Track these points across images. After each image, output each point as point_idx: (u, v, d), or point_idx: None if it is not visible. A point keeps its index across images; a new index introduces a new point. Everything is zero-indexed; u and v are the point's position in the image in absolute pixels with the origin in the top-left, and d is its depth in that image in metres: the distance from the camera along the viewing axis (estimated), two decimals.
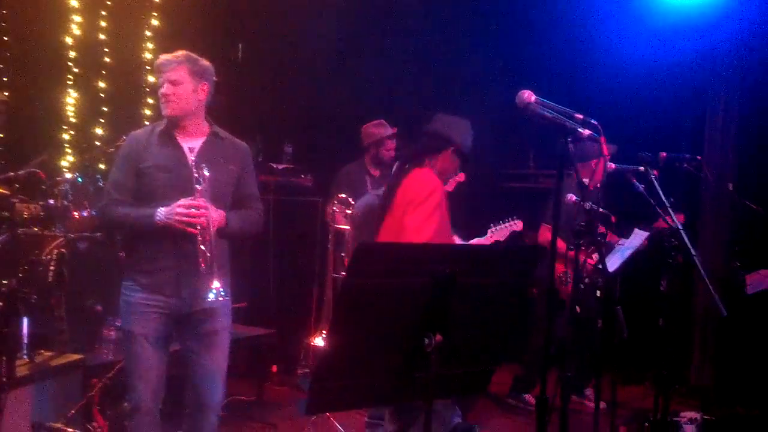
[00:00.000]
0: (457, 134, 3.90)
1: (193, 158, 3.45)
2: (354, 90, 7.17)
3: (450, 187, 4.96)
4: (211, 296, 3.35)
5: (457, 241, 4.61)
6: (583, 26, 7.03)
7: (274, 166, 6.86)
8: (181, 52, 3.59)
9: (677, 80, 6.97)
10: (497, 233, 4.81)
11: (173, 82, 3.51)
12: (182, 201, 3.36)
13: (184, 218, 3.34)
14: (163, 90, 3.51)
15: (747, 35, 6.69)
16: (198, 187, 3.37)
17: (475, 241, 4.73)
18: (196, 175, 3.38)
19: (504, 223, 4.93)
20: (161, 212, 3.37)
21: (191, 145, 3.52)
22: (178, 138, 3.54)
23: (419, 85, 7.39)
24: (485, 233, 5.13)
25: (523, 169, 8.07)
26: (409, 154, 3.99)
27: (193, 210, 3.34)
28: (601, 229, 3.74)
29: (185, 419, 3.68)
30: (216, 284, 3.35)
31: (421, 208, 3.66)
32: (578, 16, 7.07)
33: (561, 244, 3.96)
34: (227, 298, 3.51)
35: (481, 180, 5.02)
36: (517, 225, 4.83)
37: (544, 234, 5.65)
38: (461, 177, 5.02)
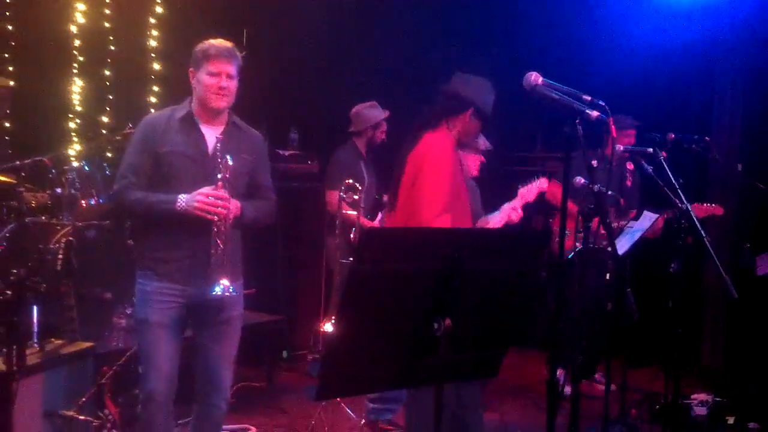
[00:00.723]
0: (477, 94, 3.72)
1: (218, 147, 3.43)
2: (359, 75, 7.14)
3: (475, 170, 4.92)
4: (218, 290, 3.35)
5: (482, 215, 4.59)
6: (591, 8, 6.98)
7: (280, 152, 6.84)
8: (228, 44, 3.51)
9: (685, 62, 6.93)
10: (526, 194, 4.80)
11: (230, 76, 3.47)
12: (205, 189, 3.34)
13: (206, 206, 3.32)
14: (222, 83, 3.43)
15: (754, 17, 6.64)
16: (219, 176, 3.36)
17: (506, 205, 4.67)
18: (220, 164, 3.37)
19: (532, 183, 4.91)
20: (183, 199, 3.35)
21: (212, 133, 3.50)
22: (200, 126, 3.51)
23: (425, 67, 7.35)
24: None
25: (530, 152, 8.05)
26: (426, 117, 3.78)
27: (214, 200, 3.33)
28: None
29: (195, 405, 3.69)
30: (224, 281, 3.35)
31: (431, 178, 3.49)
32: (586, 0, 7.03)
33: (572, 206, 3.87)
34: (236, 294, 3.50)
35: (489, 163, 5.00)
36: (543, 183, 4.81)
37: (552, 188, 5.48)
38: (482, 158, 5.00)
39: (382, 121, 6.05)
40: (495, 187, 6.88)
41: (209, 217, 3.33)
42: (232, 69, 3.47)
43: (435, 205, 3.44)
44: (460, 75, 3.84)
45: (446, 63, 7.33)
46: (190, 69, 3.51)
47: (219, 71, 3.44)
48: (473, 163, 4.86)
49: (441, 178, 3.49)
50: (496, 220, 4.62)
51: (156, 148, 3.45)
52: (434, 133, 3.67)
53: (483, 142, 4.94)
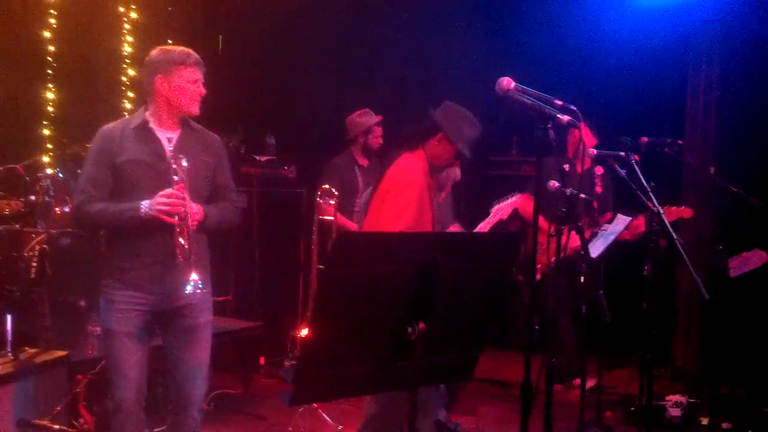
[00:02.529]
0: (447, 121, 3.83)
1: (171, 149, 3.43)
2: (336, 80, 7.15)
3: (447, 187, 4.96)
4: (189, 288, 3.34)
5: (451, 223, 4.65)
6: (563, 12, 7.04)
7: (257, 158, 6.83)
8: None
9: (658, 65, 6.99)
10: (500, 211, 4.84)
11: (204, 84, 3.52)
12: (163, 192, 3.33)
13: (165, 208, 3.30)
14: (202, 90, 3.50)
15: (726, 20, 6.71)
16: (175, 177, 3.34)
17: (482, 223, 4.75)
18: (174, 166, 3.35)
19: (506, 200, 4.93)
20: (146, 205, 3.33)
21: (168, 137, 3.49)
22: (156, 132, 3.50)
23: (402, 74, 7.39)
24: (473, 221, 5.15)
25: (506, 156, 8.09)
26: (405, 137, 3.96)
27: (172, 200, 3.31)
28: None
29: (168, 415, 3.67)
30: (194, 276, 3.33)
31: (398, 198, 3.66)
32: (559, 2, 7.08)
33: (543, 223, 3.96)
34: (206, 290, 3.49)
35: (464, 168, 5.05)
36: (517, 200, 4.84)
37: (524, 204, 5.52)
38: (457, 175, 5.05)
39: (374, 126, 6.08)
40: (471, 191, 6.96)
41: (168, 219, 3.31)
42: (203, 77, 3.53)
43: (396, 224, 3.59)
44: (447, 103, 3.94)
45: (423, 67, 7.40)
46: (159, 76, 3.45)
47: (199, 78, 3.48)
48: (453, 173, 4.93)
49: (407, 200, 3.65)
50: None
51: (113, 159, 3.42)
52: (410, 155, 3.84)
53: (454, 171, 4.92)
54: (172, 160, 3.36)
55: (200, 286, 3.37)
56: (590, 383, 6.01)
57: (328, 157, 6.17)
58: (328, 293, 2.35)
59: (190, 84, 3.46)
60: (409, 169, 3.77)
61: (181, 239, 3.34)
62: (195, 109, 3.50)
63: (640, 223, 5.36)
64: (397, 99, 7.36)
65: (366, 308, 2.40)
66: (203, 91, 3.50)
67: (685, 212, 5.55)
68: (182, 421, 3.61)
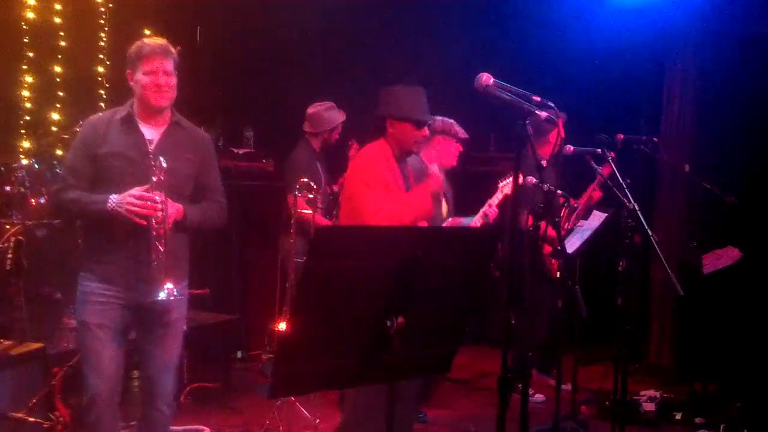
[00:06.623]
0: (386, 104, 3.95)
1: (152, 148, 3.38)
2: (315, 73, 7.13)
3: (453, 160, 5.17)
4: (162, 295, 3.30)
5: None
6: (540, 8, 7.07)
7: (235, 150, 6.81)
8: (162, 40, 3.48)
9: (635, 62, 7.04)
10: (506, 186, 4.90)
11: (167, 73, 3.40)
12: (134, 191, 3.27)
13: (134, 209, 3.25)
14: (160, 80, 3.38)
15: (703, 17, 6.77)
16: (153, 178, 3.29)
17: (491, 200, 4.85)
18: (154, 166, 3.29)
19: (509, 177, 4.97)
20: (113, 199, 3.28)
21: (152, 133, 3.45)
22: (140, 126, 3.46)
23: (378, 69, 7.38)
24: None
25: (484, 152, 8.10)
26: (370, 138, 4.05)
27: (146, 202, 3.26)
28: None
29: (139, 409, 3.65)
30: (168, 285, 3.30)
31: (360, 183, 3.76)
32: None
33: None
34: (180, 297, 3.45)
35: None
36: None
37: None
38: (460, 147, 5.25)
39: (341, 123, 6.07)
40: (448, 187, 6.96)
41: (138, 220, 3.26)
42: (168, 65, 3.41)
43: (370, 205, 3.68)
44: (381, 92, 4.04)
45: (401, 62, 7.40)
46: (128, 71, 3.44)
47: (155, 69, 3.38)
48: (453, 152, 5.01)
49: (367, 181, 3.75)
50: (473, 221, 4.80)
51: (95, 150, 3.39)
52: (370, 145, 3.95)
53: (459, 131, 5.07)
54: (152, 161, 3.31)
55: (176, 294, 3.33)
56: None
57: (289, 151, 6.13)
58: (307, 287, 2.35)
59: (146, 76, 3.39)
60: (359, 157, 3.96)
61: (157, 243, 3.29)
62: (156, 102, 3.41)
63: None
64: (375, 93, 7.36)
65: (345, 302, 2.40)
66: (160, 81, 3.38)
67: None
68: (152, 415, 3.61)
